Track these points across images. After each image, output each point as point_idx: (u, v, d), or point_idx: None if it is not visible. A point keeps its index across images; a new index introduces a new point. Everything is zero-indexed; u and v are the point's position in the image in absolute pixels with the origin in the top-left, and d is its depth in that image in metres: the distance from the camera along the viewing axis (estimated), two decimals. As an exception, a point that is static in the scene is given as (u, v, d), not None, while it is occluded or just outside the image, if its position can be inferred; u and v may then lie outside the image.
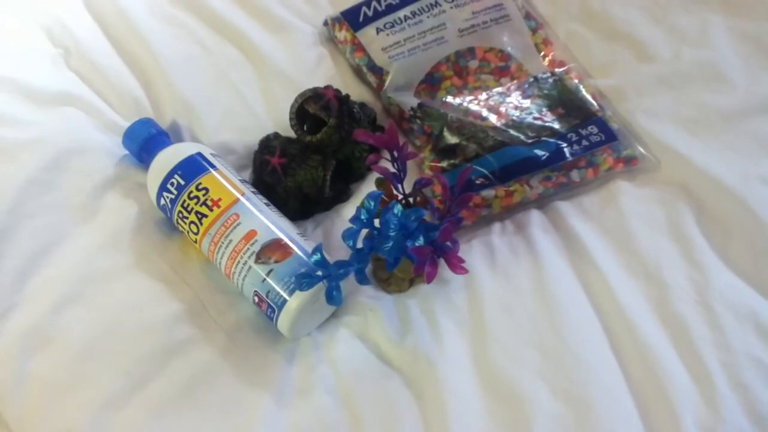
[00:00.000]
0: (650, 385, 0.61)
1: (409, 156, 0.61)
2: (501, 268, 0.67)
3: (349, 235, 0.58)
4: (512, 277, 0.66)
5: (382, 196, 0.59)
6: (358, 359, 0.63)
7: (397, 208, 0.58)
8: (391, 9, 0.80)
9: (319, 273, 0.58)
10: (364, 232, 0.60)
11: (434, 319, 0.65)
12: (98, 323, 0.64)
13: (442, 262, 0.60)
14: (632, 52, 0.78)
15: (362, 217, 0.58)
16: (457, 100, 0.75)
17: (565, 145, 0.71)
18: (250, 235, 0.64)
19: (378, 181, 0.63)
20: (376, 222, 0.59)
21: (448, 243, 0.59)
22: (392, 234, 0.57)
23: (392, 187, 0.62)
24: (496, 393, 0.61)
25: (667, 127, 0.74)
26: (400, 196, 0.63)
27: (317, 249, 0.59)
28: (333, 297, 0.59)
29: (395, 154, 0.60)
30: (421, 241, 0.57)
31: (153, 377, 0.62)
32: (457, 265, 0.58)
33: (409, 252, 0.57)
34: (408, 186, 0.64)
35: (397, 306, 0.66)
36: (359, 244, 0.59)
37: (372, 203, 0.58)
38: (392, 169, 0.61)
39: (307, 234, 0.70)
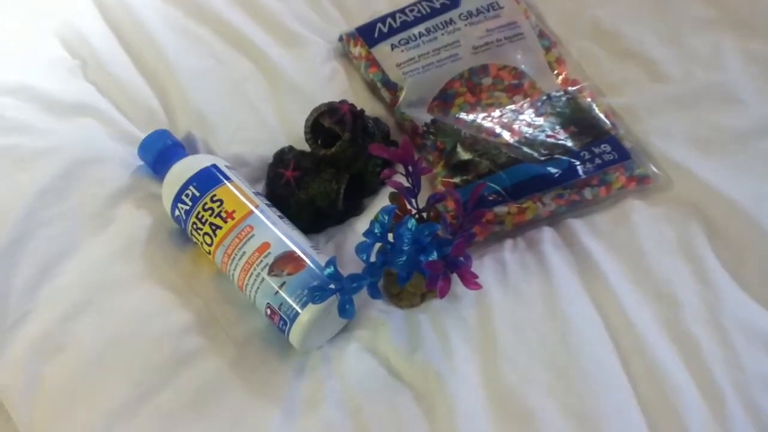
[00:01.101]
0: (661, 404, 0.61)
1: (424, 171, 0.62)
2: (512, 284, 0.67)
3: (363, 249, 0.58)
4: (523, 294, 0.66)
5: (396, 210, 0.60)
6: (368, 373, 0.64)
7: (411, 223, 0.58)
8: (405, 26, 0.81)
9: (332, 286, 0.59)
10: (378, 246, 0.60)
11: (445, 335, 0.65)
12: (109, 332, 0.65)
13: (454, 277, 0.60)
14: (644, 72, 0.79)
15: (376, 230, 0.59)
16: (470, 117, 0.76)
17: (577, 162, 0.71)
18: (264, 247, 0.64)
19: (392, 195, 0.64)
20: (390, 236, 0.60)
21: (461, 258, 0.59)
22: (405, 248, 0.57)
23: (406, 201, 0.62)
24: (505, 410, 0.61)
25: (679, 146, 0.74)
26: (414, 211, 0.63)
27: (330, 262, 0.60)
28: (346, 310, 0.59)
29: (410, 168, 0.61)
30: (434, 256, 0.57)
31: (162, 387, 0.62)
32: (471, 281, 0.59)
33: (422, 266, 0.57)
34: (421, 201, 0.64)
35: (408, 321, 0.66)
36: (372, 258, 0.60)
37: (386, 217, 0.58)
38: (406, 184, 0.62)
39: (319, 247, 0.70)
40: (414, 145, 0.76)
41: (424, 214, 0.63)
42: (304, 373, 0.64)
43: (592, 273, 0.67)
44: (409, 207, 0.63)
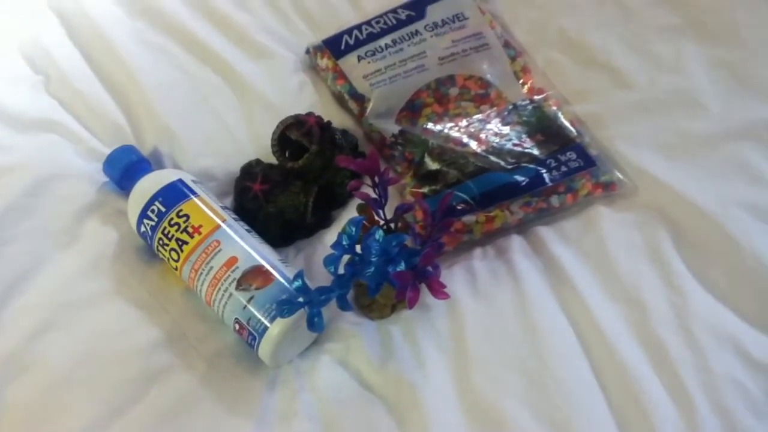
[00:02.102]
0: (631, 408, 0.61)
1: (391, 181, 0.62)
2: (483, 292, 0.67)
3: (331, 261, 0.58)
4: (494, 302, 0.67)
5: (364, 221, 0.59)
6: (340, 386, 0.63)
7: (379, 234, 0.58)
8: (372, 37, 0.81)
9: (301, 299, 0.58)
10: (346, 258, 0.60)
11: (416, 345, 0.65)
12: (76, 350, 0.64)
13: (423, 287, 0.60)
14: (609, 79, 0.80)
15: (344, 242, 0.59)
16: (438, 127, 0.76)
17: (544, 170, 0.72)
18: (231, 261, 0.64)
19: (359, 207, 0.64)
20: (358, 248, 0.59)
21: (430, 268, 0.59)
22: (374, 260, 0.57)
23: (374, 212, 0.62)
24: (479, 418, 0.61)
25: (645, 152, 0.75)
26: (382, 222, 0.63)
27: (299, 275, 0.59)
28: (315, 323, 0.58)
29: (376, 179, 0.61)
30: (402, 267, 0.57)
31: (132, 405, 0.61)
32: (439, 290, 0.59)
33: (391, 277, 0.57)
34: (389, 211, 0.64)
35: (380, 332, 0.66)
36: (341, 270, 0.59)
37: (353, 229, 0.58)
38: (373, 195, 0.62)
39: (288, 260, 0.70)
40: (382, 156, 0.77)
41: (392, 225, 0.63)
42: (276, 387, 0.64)
43: (561, 279, 0.68)
44: (377, 218, 0.62)
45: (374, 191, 0.61)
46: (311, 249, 0.72)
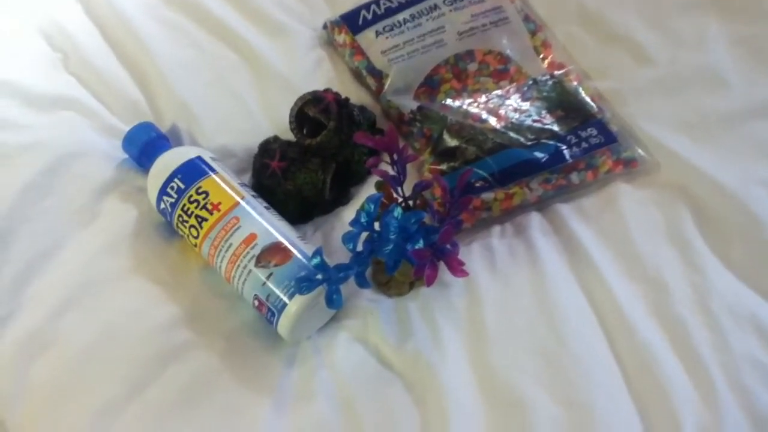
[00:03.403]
0: (650, 387, 0.61)
1: (409, 159, 0.61)
2: (501, 271, 0.67)
3: (349, 239, 0.58)
4: (512, 281, 0.66)
5: (382, 199, 0.59)
6: (358, 363, 0.63)
7: (397, 211, 0.58)
8: (390, 12, 0.80)
9: (319, 276, 0.58)
10: (364, 235, 0.59)
11: (434, 323, 0.65)
12: (97, 328, 0.64)
13: (442, 265, 0.60)
14: (630, 56, 0.79)
15: (362, 220, 0.58)
16: (457, 103, 0.75)
17: (564, 147, 0.71)
18: (250, 238, 0.64)
19: (378, 184, 0.63)
20: (376, 225, 0.59)
21: (448, 246, 0.59)
22: (392, 237, 0.57)
23: (392, 189, 0.62)
24: (496, 398, 0.61)
25: (666, 130, 0.74)
26: (400, 199, 0.63)
27: (317, 252, 0.59)
28: (333, 300, 0.59)
29: (395, 157, 0.60)
30: (420, 244, 0.57)
31: (151, 382, 0.62)
32: (458, 268, 0.58)
33: (409, 255, 0.57)
34: (408, 189, 0.64)
35: (397, 309, 0.66)
36: (359, 247, 0.59)
37: (372, 206, 0.58)
38: (392, 172, 0.61)
39: (306, 237, 0.70)
40: (400, 133, 0.76)
41: (411, 202, 0.63)
42: (294, 364, 0.64)
43: (580, 258, 0.67)
44: (395, 195, 0.62)
45: (393, 168, 0.61)
46: (329, 226, 0.72)
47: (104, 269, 0.67)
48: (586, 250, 0.68)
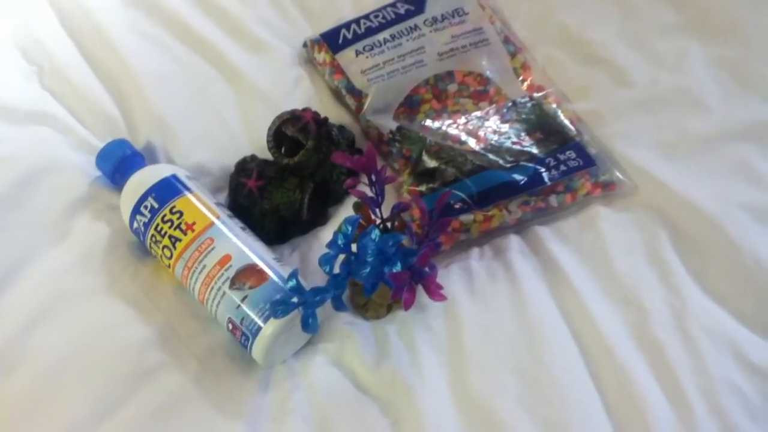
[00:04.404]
0: (629, 410, 0.60)
1: (388, 180, 0.61)
2: (480, 292, 0.67)
3: (326, 261, 0.57)
4: (491, 302, 0.66)
5: (360, 220, 0.58)
6: (335, 386, 0.62)
7: (375, 233, 0.57)
8: (370, 32, 0.80)
9: (295, 300, 0.57)
10: (342, 257, 0.59)
11: (412, 345, 0.64)
12: (67, 346, 0.63)
13: (420, 287, 0.59)
14: (610, 77, 0.79)
15: (339, 242, 0.58)
16: (436, 124, 0.75)
17: (543, 169, 0.71)
18: (225, 259, 0.63)
19: (356, 205, 0.63)
20: (354, 246, 0.58)
21: (426, 269, 0.58)
22: (369, 259, 0.56)
23: (370, 211, 0.61)
24: (475, 420, 0.60)
25: (645, 151, 0.74)
26: (378, 221, 0.62)
27: (293, 275, 0.58)
28: (309, 324, 0.58)
29: (373, 177, 0.60)
30: (398, 267, 0.56)
31: (122, 403, 0.60)
32: (436, 292, 0.58)
33: (387, 278, 0.56)
34: (386, 210, 0.63)
35: (375, 332, 0.65)
36: (336, 270, 0.58)
37: (349, 228, 0.57)
38: (370, 193, 0.61)
39: (283, 258, 0.69)
40: (380, 153, 0.76)
41: (389, 224, 0.62)
42: (269, 387, 0.63)
43: (559, 279, 0.67)
44: (373, 217, 0.61)
45: (371, 189, 0.60)
46: (307, 246, 0.71)
47: (75, 286, 0.66)
48: (565, 271, 0.67)
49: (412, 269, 0.57)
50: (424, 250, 0.57)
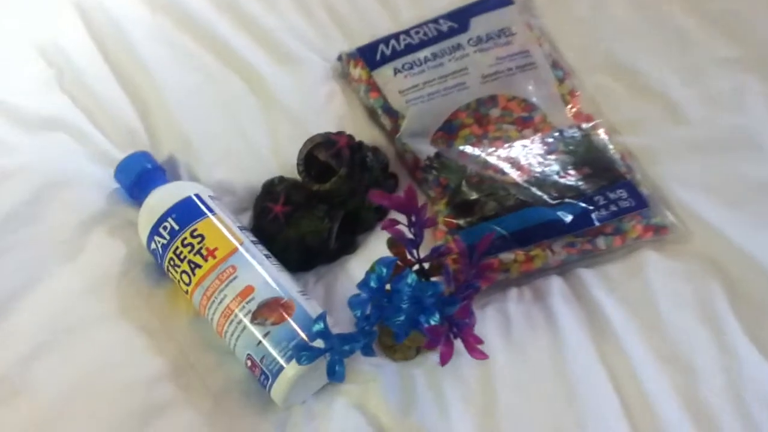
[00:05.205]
0: (673, 480, 0.56)
1: (428, 223, 0.56)
2: (516, 340, 0.62)
3: (357, 305, 0.53)
4: (528, 352, 0.61)
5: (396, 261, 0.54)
6: (356, 432, 0.58)
7: (411, 278, 0.52)
8: (410, 49, 0.75)
9: (321, 345, 0.53)
10: (372, 297, 0.54)
11: (441, 394, 0.60)
12: (72, 377, 0.59)
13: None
14: (663, 112, 0.73)
15: (372, 283, 0.53)
16: (476, 150, 0.70)
17: (592, 209, 0.66)
18: (247, 291, 0.59)
19: (390, 241, 0.58)
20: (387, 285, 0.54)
21: (466, 320, 0.54)
22: (404, 306, 0.52)
23: (406, 250, 0.56)
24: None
25: (699, 195, 0.69)
26: (414, 262, 0.57)
27: (320, 317, 0.54)
28: (335, 373, 0.53)
29: (412, 218, 0.55)
30: (436, 318, 0.51)
31: (131, 441, 0.56)
32: (475, 348, 0.53)
33: (423, 329, 0.52)
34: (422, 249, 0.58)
35: (402, 376, 0.61)
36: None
37: (384, 270, 0.53)
38: (408, 234, 0.56)
39: (308, 287, 0.65)
40: (414, 179, 0.71)
41: (425, 264, 0.57)
42: (285, 429, 0.59)
43: (603, 330, 0.62)
44: (409, 256, 0.57)
45: (409, 230, 0.56)
46: (332, 276, 0.67)
47: (85, 311, 0.62)
48: (610, 322, 0.62)
49: (451, 320, 0.53)
50: (465, 304, 0.52)
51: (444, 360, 0.53)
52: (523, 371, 0.60)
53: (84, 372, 0.59)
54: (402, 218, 0.56)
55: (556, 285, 0.65)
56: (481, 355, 0.53)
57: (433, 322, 0.51)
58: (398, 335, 0.54)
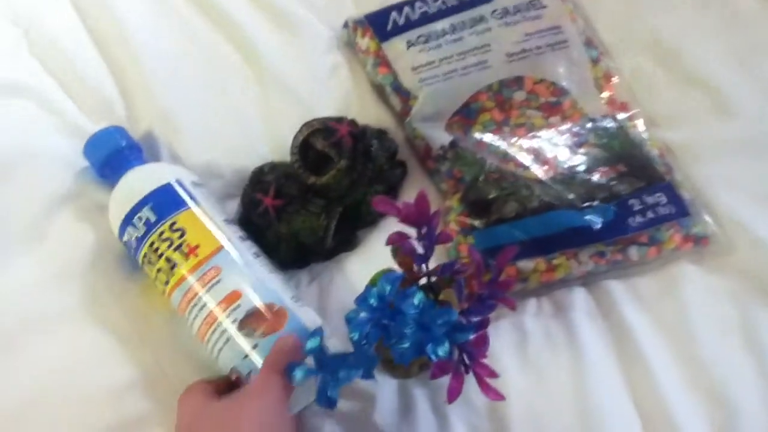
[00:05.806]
0: None
1: (441, 239, 0.48)
2: (533, 361, 0.55)
3: (355, 326, 0.45)
4: (547, 378, 0.55)
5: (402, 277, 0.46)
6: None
7: (418, 297, 0.45)
8: (426, 19, 0.66)
9: (314, 366, 0.46)
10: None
11: (445, 418, 0.54)
12: (29, 386, 0.53)
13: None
14: (709, 104, 0.65)
15: (372, 302, 0.45)
16: (496, 139, 0.62)
17: (626, 214, 0.58)
18: (233, 297, 0.51)
19: (394, 250, 0.50)
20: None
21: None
22: (409, 331, 0.44)
23: (413, 263, 0.49)
24: None
25: (745, 201, 0.61)
26: (422, 276, 0.50)
27: (316, 333, 0.47)
28: (326, 399, 0.46)
29: (423, 230, 0.47)
30: (446, 348, 0.44)
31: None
32: (489, 387, 0.46)
33: (430, 359, 0.44)
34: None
35: (402, 396, 0.55)
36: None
37: (387, 288, 0.45)
38: (418, 248, 0.48)
39: (301, 288, 0.58)
40: (426, 168, 0.64)
41: (433, 278, 0.50)
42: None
43: (631, 354, 0.56)
44: (416, 268, 0.49)
45: (419, 243, 0.48)
46: (328, 276, 0.60)
47: (47, 308, 0.56)
48: (639, 344, 0.56)
49: (463, 348, 0.45)
50: (481, 333, 0.45)
51: (452, 397, 0.45)
52: (540, 396, 0.54)
53: (43, 378, 0.53)
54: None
55: (579, 297, 0.58)
56: (497, 396, 0.46)
57: (441, 353, 0.43)
58: (398, 360, 0.46)
